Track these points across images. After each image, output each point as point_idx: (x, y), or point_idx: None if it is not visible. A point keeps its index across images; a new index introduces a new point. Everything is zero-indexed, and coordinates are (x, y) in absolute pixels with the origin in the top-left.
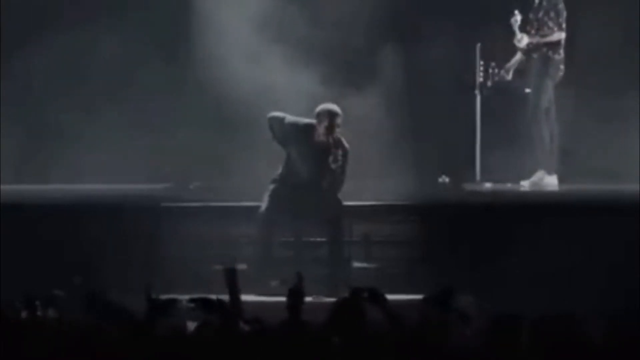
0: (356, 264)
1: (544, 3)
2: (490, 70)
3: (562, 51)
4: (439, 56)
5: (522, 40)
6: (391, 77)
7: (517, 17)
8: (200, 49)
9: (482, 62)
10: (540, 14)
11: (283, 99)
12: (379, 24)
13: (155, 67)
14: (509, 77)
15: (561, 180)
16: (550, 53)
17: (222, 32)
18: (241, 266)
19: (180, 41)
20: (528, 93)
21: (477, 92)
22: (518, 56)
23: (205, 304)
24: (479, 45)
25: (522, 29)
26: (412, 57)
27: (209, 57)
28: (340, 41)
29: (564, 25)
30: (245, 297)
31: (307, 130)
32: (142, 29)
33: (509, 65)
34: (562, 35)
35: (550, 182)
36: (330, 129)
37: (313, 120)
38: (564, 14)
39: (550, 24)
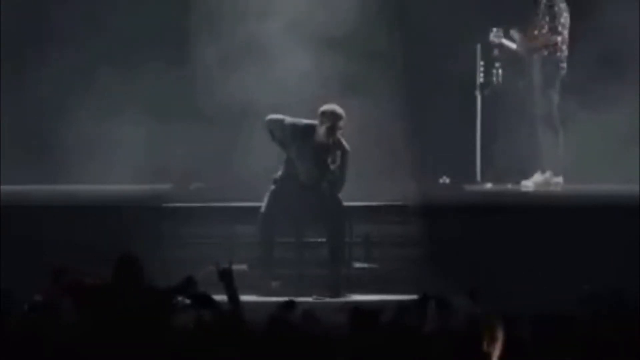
0: (356, 264)
1: (540, 6)
2: (495, 71)
3: (559, 53)
4: (439, 56)
5: (516, 40)
6: (392, 77)
7: (498, 33)
8: (203, 50)
9: (482, 62)
10: (536, 17)
11: (284, 99)
12: (379, 24)
13: (156, 67)
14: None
15: (565, 180)
16: (547, 55)
17: (224, 33)
18: (241, 266)
19: (183, 43)
20: (529, 94)
21: (477, 92)
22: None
23: (197, 299)
24: (479, 45)
25: (520, 31)
26: (413, 58)
27: (211, 58)
28: (341, 42)
29: (559, 28)
30: (245, 298)
31: (307, 131)
32: (142, 33)
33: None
34: (558, 38)
35: (556, 182)
36: (333, 130)
37: (313, 121)
38: (560, 16)
39: (547, 26)
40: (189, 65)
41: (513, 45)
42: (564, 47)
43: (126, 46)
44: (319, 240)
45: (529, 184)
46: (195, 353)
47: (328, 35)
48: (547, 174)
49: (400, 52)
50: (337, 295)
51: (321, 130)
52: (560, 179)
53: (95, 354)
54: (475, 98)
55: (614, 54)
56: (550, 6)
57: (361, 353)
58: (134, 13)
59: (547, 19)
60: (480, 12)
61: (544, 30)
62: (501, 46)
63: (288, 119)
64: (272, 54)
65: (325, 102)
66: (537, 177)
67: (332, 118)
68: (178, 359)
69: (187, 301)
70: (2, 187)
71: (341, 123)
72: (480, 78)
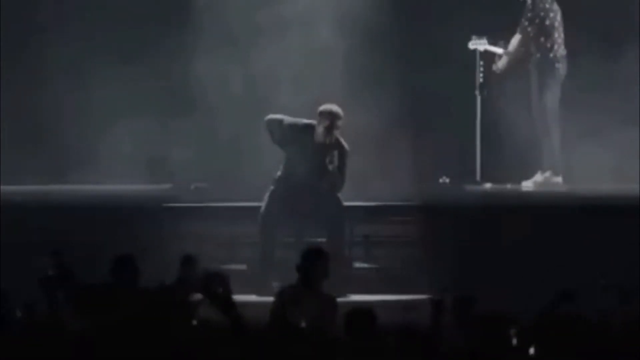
0: (356, 264)
1: (530, 7)
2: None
3: (551, 54)
4: (440, 56)
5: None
6: (392, 77)
7: (476, 41)
8: (203, 51)
9: (482, 62)
10: (526, 19)
11: (284, 100)
12: (379, 24)
13: (157, 66)
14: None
15: (565, 180)
16: (540, 56)
17: (225, 35)
18: (241, 266)
19: (183, 44)
20: (529, 93)
21: (477, 92)
22: (506, 58)
23: (219, 299)
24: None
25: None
26: (413, 57)
27: (211, 59)
28: (341, 42)
29: (548, 30)
30: (245, 298)
31: (306, 130)
32: (143, 30)
33: (499, 66)
34: (550, 38)
35: (556, 182)
36: (331, 129)
37: (312, 121)
38: (547, 18)
39: (537, 28)
40: (190, 64)
41: (499, 50)
42: (556, 47)
43: (127, 44)
44: (319, 240)
45: (529, 184)
46: (196, 352)
47: (329, 35)
48: (547, 174)
49: (401, 52)
50: (337, 295)
51: (319, 130)
52: (559, 179)
53: (96, 354)
54: (475, 98)
55: (614, 52)
56: (541, 8)
57: (361, 353)
58: (135, 11)
59: (537, 21)
60: (481, 13)
61: (532, 34)
62: (486, 52)
63: (287, 119)
64: (272, 56)
65: (324, 103)
66: (537, 177)
67: (330, 117)
68: (179, 359)
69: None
70: (2, 187)
71: (339, 122)
72: (480, 78)
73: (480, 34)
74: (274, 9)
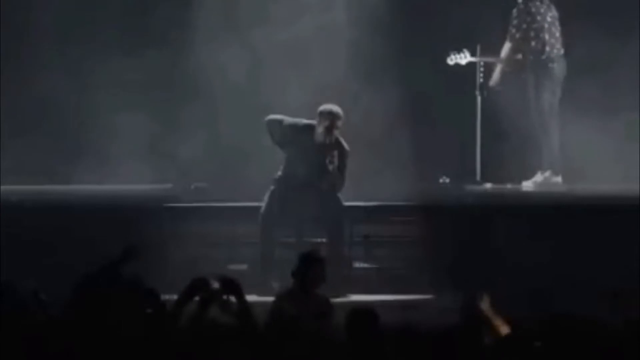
0: (356, 264)
1: (515, 14)
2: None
3: (544, 56)
4: (440, 56)
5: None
6: (391, 76)
7: (454, 56)
8: (202, 52)
9: (482, 63)
10: (513, 26)
11: (284, 99)
12: (380, 23)
13: (157, 68)
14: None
15: (564, 180)
16: (533, 58)
17: (225, 37)
18: (241, 266)
19: (183, 44)
20: (527, 94)
21: (477, 92)
22: (498, 69)
23: (226, 284)
24: (479, 45)
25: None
26: (412, 57)
27: (211, 59)
28: (340, 41)
29: (539, 32)
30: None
31: (306, 131)
32: (142, 33)
33: (494, 80)
34: (540, 41)
35: (556, 182)
36: (331, 129)
37: (312, 121)
38: (535, 21)
39: (524, 33)
40: (191, 66)
41: (476, 59)
42: (548, 48)
43: (127, 47)
44: (319, 240)
45: (529, 184)
46: (196, 353)
47: (328, 35)
48: (547, 174)
49: (401, 52)
50: (337, 295)
51: (319, 130)
52: (559, 179)
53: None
54: (475, 98)
55: (615, 51)
56: (524, 13)
57: (360, 353)
58: (136, 18)
59: (529, 19)
60: (480, 12)
61: (521, 40)
62: (482, 57)
63: (287, 119)
64: (272, 55)
65: (324, 103)
66: (537, 177)
67: (329, 118)
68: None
69: (216, 285)
70: (2, 187)
71: (339, 122)
72: (480, 78)
73: (481, 33)
74: (276, 7)
